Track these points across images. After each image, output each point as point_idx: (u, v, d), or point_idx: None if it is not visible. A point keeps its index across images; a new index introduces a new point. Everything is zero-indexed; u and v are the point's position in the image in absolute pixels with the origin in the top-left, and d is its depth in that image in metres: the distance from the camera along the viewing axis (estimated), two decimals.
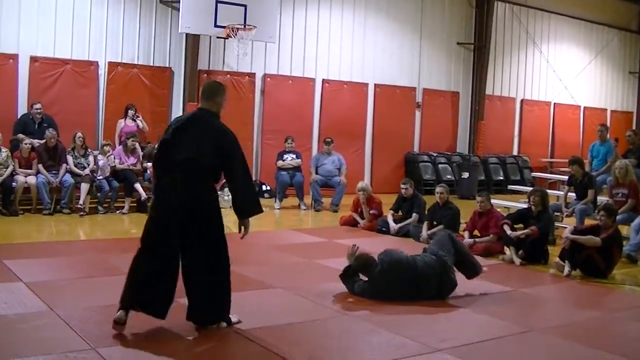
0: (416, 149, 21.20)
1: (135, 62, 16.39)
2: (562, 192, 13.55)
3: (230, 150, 6.29)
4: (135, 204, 14.17)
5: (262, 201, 16.88)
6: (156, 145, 6.62)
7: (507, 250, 10.65)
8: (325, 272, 9.22)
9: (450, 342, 6.34)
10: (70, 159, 13.83)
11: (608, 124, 19.26)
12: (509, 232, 10.54)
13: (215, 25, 15.35)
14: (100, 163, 13.86)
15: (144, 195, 13.87)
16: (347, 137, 18.87)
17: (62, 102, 15.19)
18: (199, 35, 16.43)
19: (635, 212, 11.54)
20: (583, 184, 12.61)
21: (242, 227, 6.65)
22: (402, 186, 12.87)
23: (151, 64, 16.65)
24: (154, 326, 6.32)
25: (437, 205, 12.12)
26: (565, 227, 10.78)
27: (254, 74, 18.04)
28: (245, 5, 15.47)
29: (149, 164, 14.27)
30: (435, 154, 21.13)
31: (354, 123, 19.53)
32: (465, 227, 11.65)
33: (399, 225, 12.58)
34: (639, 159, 13.58)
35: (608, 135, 14.78)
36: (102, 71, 15.93)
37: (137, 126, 15.15)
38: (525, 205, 11.79)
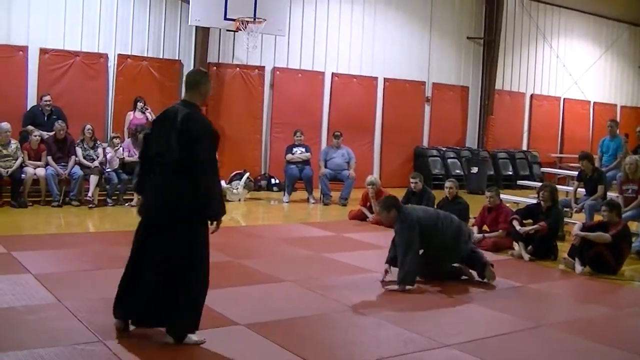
0: (425, 144, 21.16)
1: (145, 55, 16.38)
2: (571, 188, 13.51)
3: (192, 138, 5.67)
4: None
5: (271, 195, 17.06)
6: None
7: (516, 246, 10.61)
8: (334, 266, 9.23)
9: (459, 337, 6.33)
10: (79, 151, 13.83)
11: (618, 120, 19.18)
12: (518, 227, 10.51)
13: (225, 18, 15.34)
14: (108, 156, 13.87)
15: None
16: (356, 130, 18.85)
17: (72, 94, 15.18)
18: (208, 28, 16.41)
19: None
20: (593, 179, 12.56)
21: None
22: (412, 180, 12.84)
23: (161, 57, 16.64)
24: None
25: (446, 199, 12.08)
26: (575, 223, 10.74)
27: (264, 67, 18.02)
28: None
29: None
30: (444, 149, 21.10)
31: (363, 117, 19.50)
32: (474, 222, 11.63)
33: None
34: None
35: (618, 131, 14.71)
36: (112, 63, 15.93)
37: (146, 118, 15.14)
38: (534, 201, 11.74)
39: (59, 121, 13.70)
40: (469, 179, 19.93)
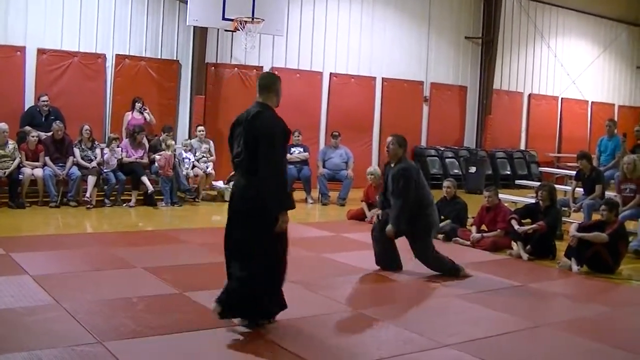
0: (423, 143, 21.16)
1: (143, 55, 16.37)
2: (569, 187, 13.52)
3: (257, 137, 6.09)
4: (142, 197, 14.15)
5: None
6: None
7: (514, 245, 10.61)
8: (333, 266, 9.23)
9: (458, 337, 6.32)
10: (77, 151, 13.82)
11: (616, 119, 19.19)
12: (516, 227, 10.51)
13: (223, 18, 15.32)
14: (105, 156, 13.85)
15: (150, 188, 13.88)
16: (355, 130, 18.84)
17: (69, 95, 15.17)
18: (206, 28, 16.41)
19: None
20: (591, 179, 12.57)
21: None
22: None
23: (159, 57, 16.63)
24: (161, 320, 6.33)
25: (445, 199, 12.09)
26: (573, 222, 10.74)
27: (262, 67, 17.99)
28: None
29: (157, 157, 14.29)
30: (442, 148, 21.11)
31: (362, 117, 19.48)
32: (473, 222, 11.63)
33: None
34: None
35: (616, 131, 14.74)
36: (110, 64, 15.91)
37: (145, 119, 15.15)
38: (532, 200, 11.75)
39: (57, 121, 13.69)
40: (467, 179, 19.93)
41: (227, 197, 15.31)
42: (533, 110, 23.84)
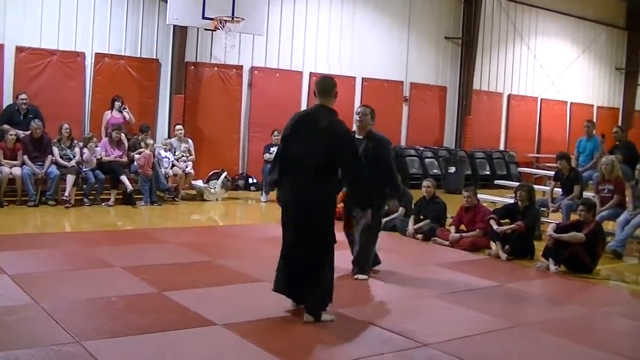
0: (403, 143, 21.21)
1: (123, 54, 16.29)
2: (548, 188, 13.60)
3: (338, 141, 6.64)
4: (121, 196, 14.11)
5: (249, 194, 17.04)
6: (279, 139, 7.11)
7: (493, 245, 10.66)
8: None
9: (437, 337, 6.34)
10: (56, 150, 13.74)
11: (595, 120, 19.33)
12: (495, 227, 10.57)
13: (203, 17, 15.29)
14: (85, 155, 13.78)
15: (129, 187, 13.84)
16: None
17: (48, 93, 15.07)
18: (186, 27, 16.36)
19: (621, 207, 11.59)
20: (569, 179, 12.65)
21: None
22: None
23: (138, 56, 16.55)
24: (140, 320, 6.31)
25: (424, 199, 12.12)
26: (551, 223, 10.80)
27: (242, 66, 17.99)
28: None
29: (136, 156, 14.23)
30: (422, 148, 21.18)
31: (342, 116, 18.93)
32: (452, 222, 11.68)
33: (386, 219, 12.53)
34: (625, 155, 13.63)
35: (595, 131, 14.84)
36: (89, 62, 15.82)
37: (124, 118, 15.08)
38: (511, 200, 11.81)
39: (36, 120, 13.60)
40: (447, 179, 20.00)
41: (206, 197, 15.47)
42: (512, 111, 23.96)
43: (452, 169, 20.04)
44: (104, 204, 13.79)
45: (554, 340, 6.56)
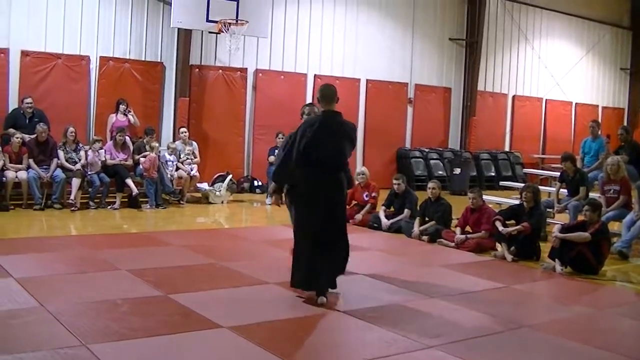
0: (408, 145, 21.21)
1: (127, 57, 16.31)
2: (553, 189, 13.57)
3: (352, 143, 7.82)
4: (126, 199, 14.13)
5: (254, 197, 17.04)
6: (296, 143, 7.52)
7: (498, 247, 10.66)
8: None
9: (442, 338, 6.33)
10: (61, 153, 13.76)
11: (600, 120, 19.29)
12: (500, 228, 10.53)
13: (207, 20, 15.33)
14: (89, 159, 13.80)
15: (135, 190, 13.86)
16: None
17: (53, 97, 15.10)
18: (190, 30, 16.38)
19: (626, 208, 11.56)
20: (575, 180, 12.62)
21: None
22: (395, 182, 12.85)
23: (143, 59, 16.57)
24: (146, 322, 6.31)
25: (429, 201, 12.12)
26: (557, 224, 10.78)
27: (246, 69, 18.00)
28: (237, 0, 15.47)
29: (141, 159, 14.25)
30: (427, 150, 21.17)
31: (346, 118, 19.35)
32: (457, 223, 11.65)
33: (391, 221, 12.56)
34: (631, 156, 13.59)
35: (600, 132, 14.81)
36: (94, 66, 15.85)
37: (129, 121, 15.11)
38: (517, 202, 11.78)
39: (41, 124, 13.62)
40: (452, 180, 20.00)
41: (211, 199, 15.47)
42: (517, 112, 23.94)
43: (457, 171, 20.03)
44: (109, 207, 13.81)
45: (559, 341, 6.55)
